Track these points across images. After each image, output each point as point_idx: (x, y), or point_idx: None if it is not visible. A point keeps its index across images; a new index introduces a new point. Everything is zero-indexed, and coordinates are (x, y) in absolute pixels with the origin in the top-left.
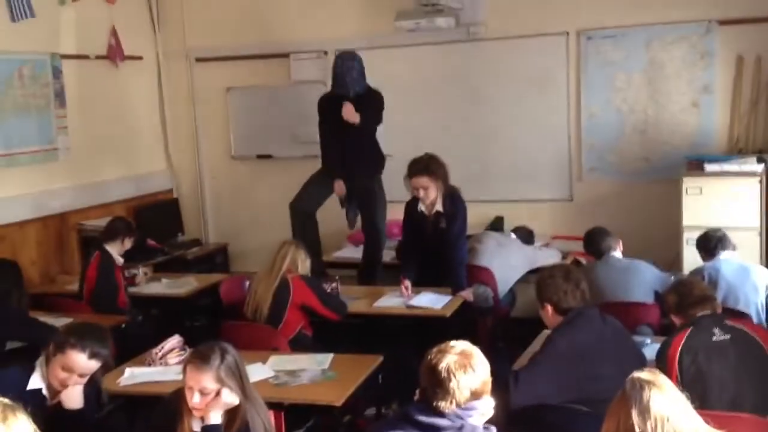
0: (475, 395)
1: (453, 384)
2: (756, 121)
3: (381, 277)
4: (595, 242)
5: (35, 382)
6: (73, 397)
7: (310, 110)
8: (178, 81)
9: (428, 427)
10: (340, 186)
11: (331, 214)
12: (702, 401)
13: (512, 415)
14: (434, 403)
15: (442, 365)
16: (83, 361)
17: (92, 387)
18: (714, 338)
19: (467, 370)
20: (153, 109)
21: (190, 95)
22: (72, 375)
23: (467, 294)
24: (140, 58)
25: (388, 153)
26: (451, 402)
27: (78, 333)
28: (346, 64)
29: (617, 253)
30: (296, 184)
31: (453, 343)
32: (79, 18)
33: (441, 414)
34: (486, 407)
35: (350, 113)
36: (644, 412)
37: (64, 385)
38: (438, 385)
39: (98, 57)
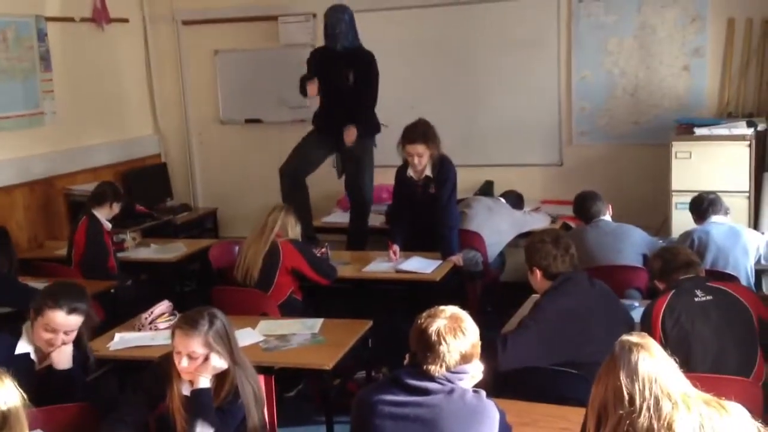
0: (465, 359)
1: (443, 348)
2: (746, 84)
3: (368, 242)
4: (584, 206)
5: (23, 346)
6: (63, 358)
7: (299, 73)
8: (165, 44)
9: (418, 391)
10: (313, 87)
11: (320, 180)
12: (686, 362)
13: (501, 378)
14: (424, 367)
15: (432, 329)
16: (63, 318)
17: (79, 349)
18: (696, 299)
19: (457, 334)
20: (140, 73)
21: (177, 59)
22: (57, 334)
23: (457, 258)
24: (126, 20)
25: (384, 123)
26: (441, 365)
27: (53, 293)
28: (336, 16)
29: (606, 217)
30: (286, 148)
31: (443, 307)
32: None
33: (431, 378)
34: (476, 371)
35: (350, 136)
36: (632, 374)
37: (52, 346)
38: (428, 349)
39: (83, 19)
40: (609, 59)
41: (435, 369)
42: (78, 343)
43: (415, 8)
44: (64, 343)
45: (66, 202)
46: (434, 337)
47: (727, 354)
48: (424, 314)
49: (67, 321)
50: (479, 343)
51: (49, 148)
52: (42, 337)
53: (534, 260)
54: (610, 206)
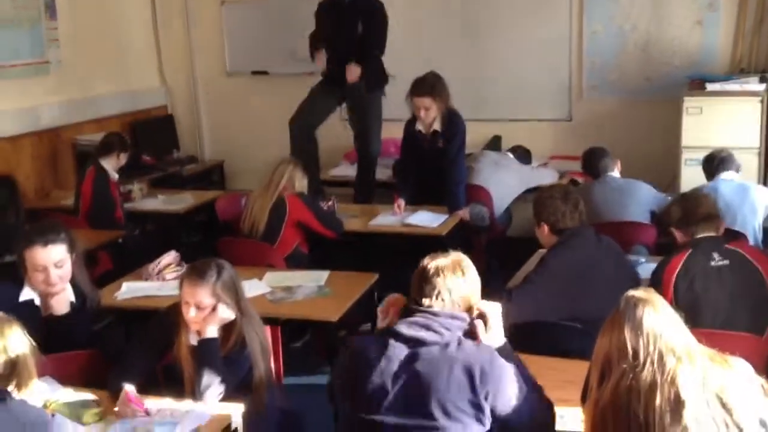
0: (464, 303)
1: (440, 280)
2: (760, 40)
3: (375, 195)
4: (592, 162)
5: (27, 293)
6: (61, 302)
7: (308, 25)
8: None
9: (412, 341)
10: (321, 58)
11: (328, 132)
12: (694, 323)
13: (505, 331)
14: (420, 300)
15: (432, 264)
16: (42, 252)
17: (76, 288)
18: (712, 263)
19: (456, 271)
20: (146, 23)
21: (184, 8)
22: (47, 271)
23: (464, 213)
24: None
25: (392, 74)
26: (437, 297)
27: (26, 233)
28: None
29: (615, 173)
30: (293, 101)
31: (449, 252)
32: None
33: (426, 325)
34: (494, 318)
35: (353, 73)
36: (636, 329)
37: (51, 285)
38: (425, 281)
39: None
40: (621, 13)
41: (431, 302)
42: (73, 283)
43: None
44: (60, 279)
45: (73, 152)
46: (432, 271)
47: (739, 318)
48: (428, 256)
49: (47, 254)
50: (479, 289)
51: (55, 97)
52: (36, 279)
53: (542, 215)
54: (619, 162)
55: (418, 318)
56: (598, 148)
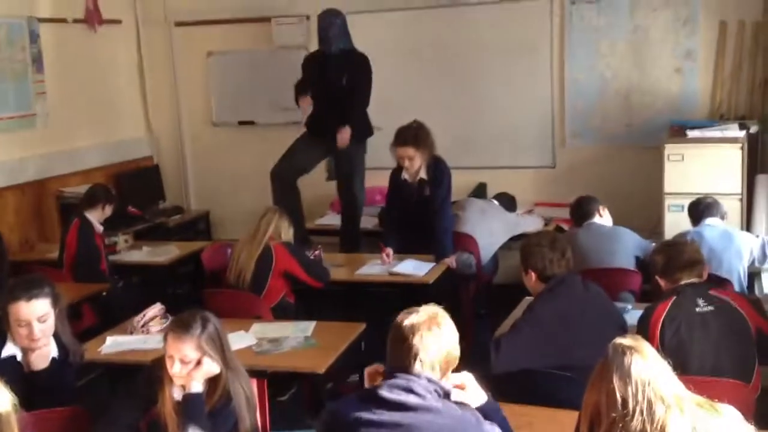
0: (443, 358)
1: (416, 340)
2: (738, 86)
3: (361, 244)
4: (575, 208)
5: (9, 349)
6: (43, 357)
7: (293, 76)
8: (158, 45)
9: (395, 405)
10: (305, 101)
11: (313, 182)
12: (681, 370)
13: (494, 381)
14: (398, 363)
15: (406, 323)
16: (25, 308)
17: (58, 343)
18: (697, 309)
19: (432, 328)
20: (132, 75)
21: (170, 60)
22: (30, 326)
23: (451, 261)
24: (119, 21)
25: (378, 126)
26: (414, 359)
27: (10, 288)
28: (328, 19)
29: (597, 220)
30: (278, 150)
31: (422, 306)
32: None
33: (408, 388)
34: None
35: (344, 139)
36: (625, 377)
37: (33, 340)
38: (401, 341)
39: (76, 21)
40: (602, 62)
41: (410, 367)
42: (55, 337)
43: (409, 10)
44: (43, 333)
45: (58, 205)
46: (407, 330)
47: (724, 366)
48: (402, 312)
49: (31, 309)
50: (458, 346)
51: (41, 149)
52: (20, 333)
53: (530, 262)
54: (602, 209)
55: (399, 381)
56: (586, 197)
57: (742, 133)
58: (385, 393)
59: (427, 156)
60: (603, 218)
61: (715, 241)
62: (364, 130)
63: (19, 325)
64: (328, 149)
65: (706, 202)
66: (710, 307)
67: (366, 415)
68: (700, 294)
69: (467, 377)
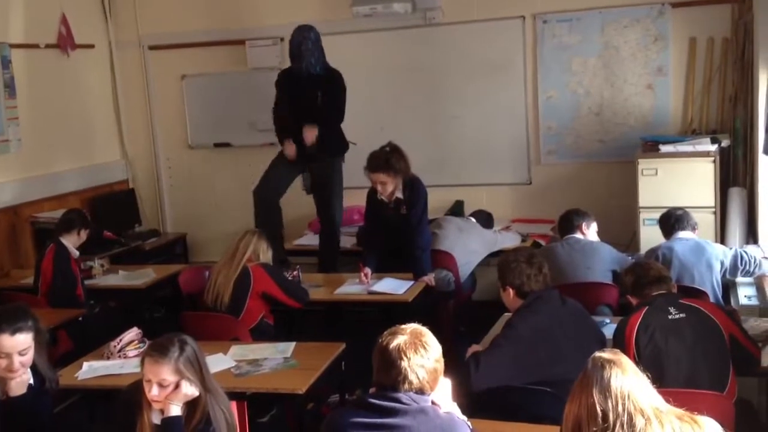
0: (429, 376)
1: (404, 363)
2: (709, 102)
3: (339, 264)
4: (562, 222)
5: None
6: (19, 384)
7: (268, 97)
8: (132, 69)
9: (388, 411)
10: (291, 148)
11: (291, 202)
12: (659, 379)
13: (474, 397)
14: (388, 386)
15: (393, 346)
16: (9, 341)
17: (35, 372)
18: (670, 317)
19: (418, 349)
20: (106, 99)
21: (144, 84)
22: (10, 358)
23: (429, 279)
24: (92, 46)
25: (352, 141)
26: (404, 382)
27: None
28: (301, 35)
29: (579, 235)
30: (255, 172)
31: (404, 325)
32: (28, 5)
33: (396, 398)
34: (443, 389)
35: (310, 135)
36: (605, 391)
37: (13, 372)
38: (390, 366)
39: (48, 46)
40: (574, 79)
41: (399, 386)
42: (32, 364)
43: (383, 31)
44: (23, 365)
45: (32, 230)
46: (395, 353)
47: (700, 372)
48: (386, 333)
49: (14, 342)
50: (442, 359)
51: (14, 176)
52: (0, 365)
53: (507, 279)
54: (585, 226)
55: (388, 393)
56: (574, 210)
57: (714, 147)
58: (376, 401)
59: (401, 179)
60: (586, 236)
61: (686, 255)
62: (339, 145)
63: (0, 356)
64: (305, 164)
65: (677, 214)
66: (682, 314)
67: (359, 418)
68: (671, 303)
69: (445, 383)
